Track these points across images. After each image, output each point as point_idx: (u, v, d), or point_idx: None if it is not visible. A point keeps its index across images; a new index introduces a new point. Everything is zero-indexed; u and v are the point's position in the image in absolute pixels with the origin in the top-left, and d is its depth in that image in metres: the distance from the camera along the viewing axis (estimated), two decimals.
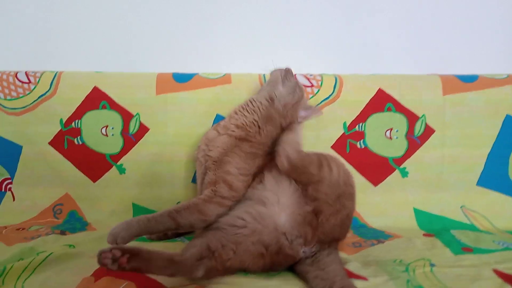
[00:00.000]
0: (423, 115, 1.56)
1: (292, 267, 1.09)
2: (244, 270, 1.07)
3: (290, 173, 1.12)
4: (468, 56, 1.70)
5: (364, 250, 1.30)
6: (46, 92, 1.55)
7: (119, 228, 1.07)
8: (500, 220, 1.54)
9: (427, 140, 1.56)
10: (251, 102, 1.35)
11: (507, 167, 1.57)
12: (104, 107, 1.56)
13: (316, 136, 1.56)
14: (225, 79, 1.58)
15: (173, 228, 1.09)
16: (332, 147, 1.56)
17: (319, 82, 1.57)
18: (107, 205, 1.56)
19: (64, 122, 1.55)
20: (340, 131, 1.56)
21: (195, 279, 1.01)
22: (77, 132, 1.56)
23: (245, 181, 1.22)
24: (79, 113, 1.55)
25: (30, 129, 1.55)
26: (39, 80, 1.57)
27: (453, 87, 1.57)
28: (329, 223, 1.09)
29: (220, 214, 1.15)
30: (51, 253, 1.12)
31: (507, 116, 1.56)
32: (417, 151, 1.57)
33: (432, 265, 1.16)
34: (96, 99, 1.56)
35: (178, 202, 1.56)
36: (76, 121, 1.56)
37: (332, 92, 1.56)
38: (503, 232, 1.48)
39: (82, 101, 1.55)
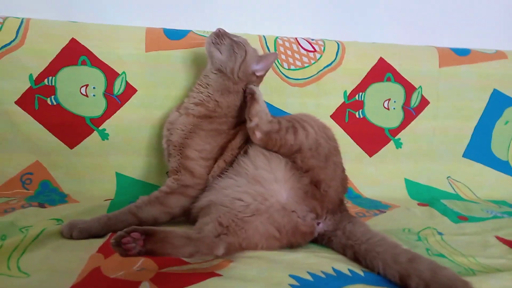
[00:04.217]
0: (419, 87, 1.57)
1: (325, 244, 1.05)
2: None
3: (267, 145, 1.07)
4: (461, 30, 1.73)
5: (370, 220, 1.29)
6: (12, 41, 1.32)
7: (78, 221, 1.01)
8: (481, 190, 1.63)
9: (421, 111, 1.59)
10: (203, 77, 1.26)
11: (490, 140, 1.65)
12: (84, 63, 1.36)
13: (317, 104, 1.51)
14: None
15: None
16: (332, 116, 1.53)
17: (322, 48, 1.50)
18: (86, 174, 1.40)
19: (34, 78, 1.33)
20: (340, 100, 1.53)
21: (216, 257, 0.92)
22: (51, 90, 1.35)
23: (207, 166, 1.17)
24: (53, 69, 1.34)
25: None
26: (1, 27, 1.32)
27: (448, 60, 1.60)
28: (332, 188, 1.05)
29: (185, 206, 1.12)
30: (43, 229, 0.97)
31: (494, 91, 1.62)
32: (412, 122, 1.59)
33: (440, 233, 1.18)
34: (74, 53, 1.36)
35: (168, 172, 1.45)
36: (50, 78, 1.34)
37: (335, 59, 1.50)
38: (485, 201, 1.57)
39: (57, 55, 1.34)
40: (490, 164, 1.65)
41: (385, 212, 1.38)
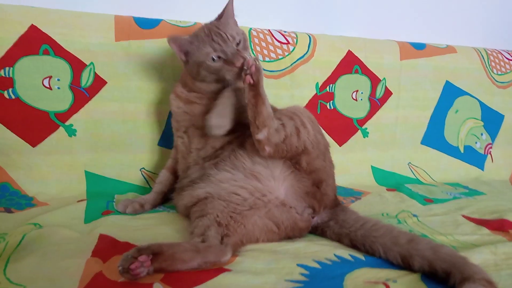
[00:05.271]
0: (383, 78, 1.65)
1: (319, 234, 1.06)
2: None
3: (273, 157, 1.01)
4: (417, 25, 1.84)
5: (349, 207, 1.34)
6: None
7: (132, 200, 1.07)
8: (436, 173, 1.76)
9: (385, 102, 1.67)
10: (206, 86, 1.16)
11: (443, 128, 1.79)
12: (46, 53, 1.24)
13: (291, 96, 1.52)
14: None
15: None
16: (305, 107, 1.53)
17: (294, 40, 1.52)
18: (52, 174, 1.29)
19: None
20: (312, 92, 1.56)
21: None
22: (8, 83, 1.22)
23: None
24: (10, 59, 1.21)
25: None
26: None
27: (408, 53, 1.70)
28: (330, 187, 1.08)
29: None
30: (24, 235, 0.88)
31: (447, 82, 1.76)
32: (377, 112, 1.67)
33: (414, 215, 1.26)
34: (35, 42, 1.23)
35: (142, 169, 1.38)
36: (7, 68, 1.21)
37: (307, 51, 1.53)
38: (441, 183, 1.70)
39: (15, 43, 1.21)
40: (443, 149, 1.80)
41: (360, 198, 1.44)
